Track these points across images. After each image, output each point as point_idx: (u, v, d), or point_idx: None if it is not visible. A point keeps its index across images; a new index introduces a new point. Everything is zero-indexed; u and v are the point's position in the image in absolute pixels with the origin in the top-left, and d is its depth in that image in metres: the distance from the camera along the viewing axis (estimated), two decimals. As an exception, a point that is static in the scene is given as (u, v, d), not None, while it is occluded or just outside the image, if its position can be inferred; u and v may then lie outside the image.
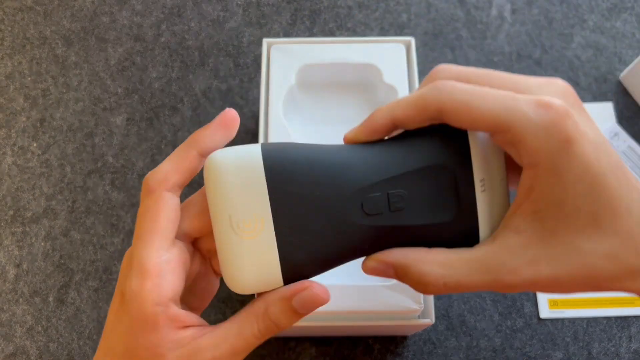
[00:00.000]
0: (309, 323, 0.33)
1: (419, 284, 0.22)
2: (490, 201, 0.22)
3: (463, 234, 0.22)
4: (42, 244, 0.43)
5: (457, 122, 0.21)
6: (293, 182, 0.21)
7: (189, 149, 0.24)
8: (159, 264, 0.22)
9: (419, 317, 0.33)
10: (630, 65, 0.47)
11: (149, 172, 0.23)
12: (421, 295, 0.33)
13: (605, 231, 0.19)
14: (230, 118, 0.24)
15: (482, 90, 0.21)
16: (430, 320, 0.33)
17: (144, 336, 0.22)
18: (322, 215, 0.21)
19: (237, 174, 0.21)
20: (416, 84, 0.40)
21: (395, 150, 0.23)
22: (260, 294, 0.23)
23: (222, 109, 0.47)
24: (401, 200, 0.22)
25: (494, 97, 0.20)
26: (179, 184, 0.23)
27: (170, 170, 0.23)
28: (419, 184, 0.22)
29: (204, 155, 0.23)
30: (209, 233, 0.24)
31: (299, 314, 0.22)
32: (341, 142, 0.24)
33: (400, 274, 0.22)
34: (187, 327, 0.22)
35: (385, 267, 0.22)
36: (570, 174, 0.19)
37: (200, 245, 0.25)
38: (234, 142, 0.46)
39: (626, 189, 0.20)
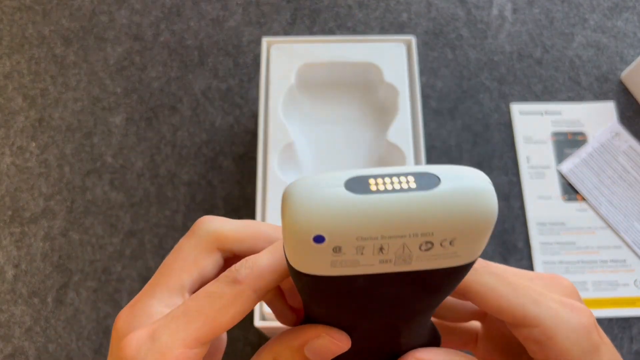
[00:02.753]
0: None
1: None
2: None
3: None
4: (41, 244, 0.43)
5: (481, 304, 0.21)
6: None
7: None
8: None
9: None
10: (632, 65, 0.47)
11: (244, 263, 0.19)
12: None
13: None
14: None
15: (508, 277, 0.20)
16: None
17: None
18: None
19: None
20: (417, 84, 0.40)
21: None
22: (267, 344, 0.20)
23: (222, 108, 0.47)
24: None
25: (523, 288, 0.20)
26: (270, 288, 0.19)
27: (268, 268, 0.19)
28: None
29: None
30: None
31: None
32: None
33: None
34: None
35: None
36: None
37: None
38: (234, 142, 0.46)
39: None
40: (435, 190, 0.15)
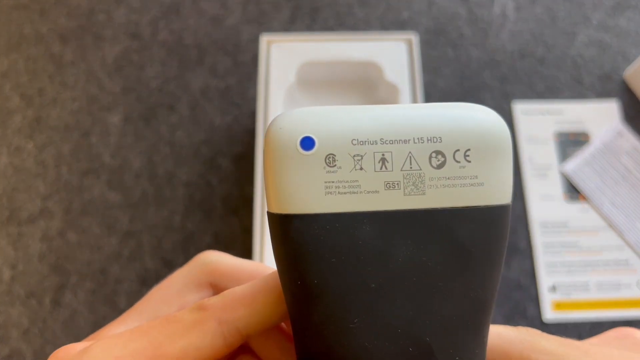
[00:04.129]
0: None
1: None
2: None
3: None
4: (39, 245, 0.42)
5: None
6: None
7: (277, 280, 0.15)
8: None
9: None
10: (635, 63, 0.46)
11: (215, 299, 0.15)
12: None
13: None
14: None
15: (571, 342, 0.17)
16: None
17: None
18: None
19: None
20: (418, 82, 0.39)
21: None
22: None
23: (221, 108, 0.47)
24: None
25: (598, 351, 0.16)
26: (243, 327, 0.15)
27: (240, 298, 0.15)
28: None
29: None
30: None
31: None
32: None
33: None
34: None
35: None
36: None
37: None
38: (233, 142, 0.46)
39: None
40: (434, 103, 0.14)
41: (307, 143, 0.13)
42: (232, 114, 0.46)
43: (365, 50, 0.40)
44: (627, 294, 0.41)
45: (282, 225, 0.13)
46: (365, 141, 0.13)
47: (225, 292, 0.15)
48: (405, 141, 0.13)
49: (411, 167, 0.13)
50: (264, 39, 0.41)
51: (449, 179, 0.13)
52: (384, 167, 0.13)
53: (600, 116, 0.46)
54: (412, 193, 0.13)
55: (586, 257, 0.42)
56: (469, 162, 0.13)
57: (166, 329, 0.15)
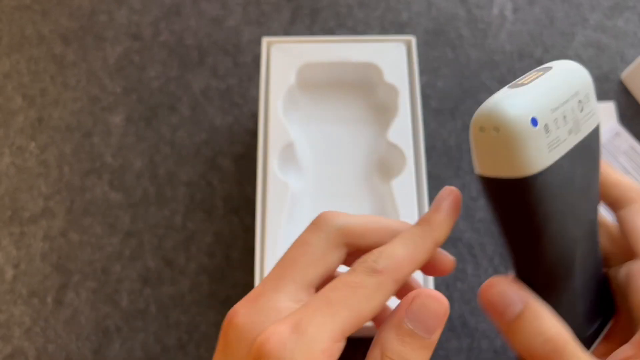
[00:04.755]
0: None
1: None
2: None
3: None
4: (41, 244, 0.42)
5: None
6: None
7: (426, 236, 0.19)
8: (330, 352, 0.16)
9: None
10: (632, 65, 0.47)
11: (380, 254, 0.19)
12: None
13: None
14: (458, 198, 0.21)
15: None
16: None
17: None
18: None
19: None
20: (417, 84, 0.40)
21: None
22: (374, 339, 0.19)
23: (221, 108, 0.47)
24: None
25: None
26: (404, 280, 0.19)
27: (406, 258, 0.19)
28: None
29: (438, 245, 0.20)
30: None
31: (423, 338, 0.17)
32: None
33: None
34: None
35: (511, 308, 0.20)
36: None
37: None
38: (233, 142, 0.46)
39: None
40: (554, 69, 0.20)
41: (534, 122, 0.18)
42: (232, 114, 0.47)
43: (364, 51, 0.40)
44: (624, 293, 0.41)
45: (527, 184, 0.18)
46: (555, 108, 0.19)
47: (389, 253, 0.19)
48: (568, 101, 0.19)
49: (574, 116, 0.19)
50: (265, 41, 0.41)
51: (586, 115, 0.20)
52: (565, 121, 0.19)
53: (598, 117, 0.47)
54: (576, 132, 0.19)
55: (584, 256, 0.42)
56: (589, 101, 0.20)
57: (357, 295, 0.17)
